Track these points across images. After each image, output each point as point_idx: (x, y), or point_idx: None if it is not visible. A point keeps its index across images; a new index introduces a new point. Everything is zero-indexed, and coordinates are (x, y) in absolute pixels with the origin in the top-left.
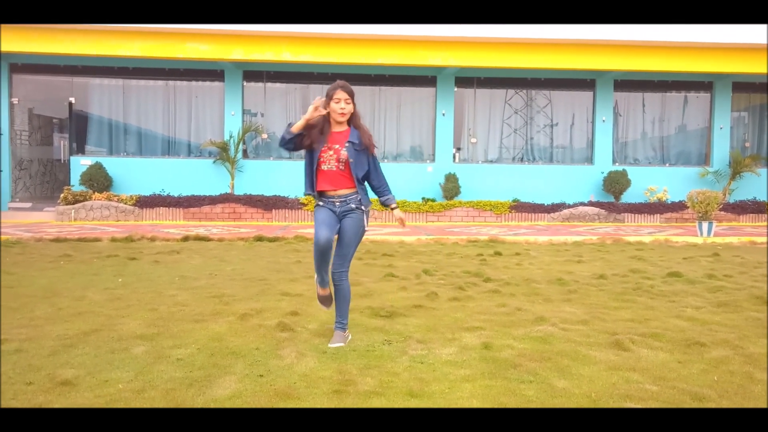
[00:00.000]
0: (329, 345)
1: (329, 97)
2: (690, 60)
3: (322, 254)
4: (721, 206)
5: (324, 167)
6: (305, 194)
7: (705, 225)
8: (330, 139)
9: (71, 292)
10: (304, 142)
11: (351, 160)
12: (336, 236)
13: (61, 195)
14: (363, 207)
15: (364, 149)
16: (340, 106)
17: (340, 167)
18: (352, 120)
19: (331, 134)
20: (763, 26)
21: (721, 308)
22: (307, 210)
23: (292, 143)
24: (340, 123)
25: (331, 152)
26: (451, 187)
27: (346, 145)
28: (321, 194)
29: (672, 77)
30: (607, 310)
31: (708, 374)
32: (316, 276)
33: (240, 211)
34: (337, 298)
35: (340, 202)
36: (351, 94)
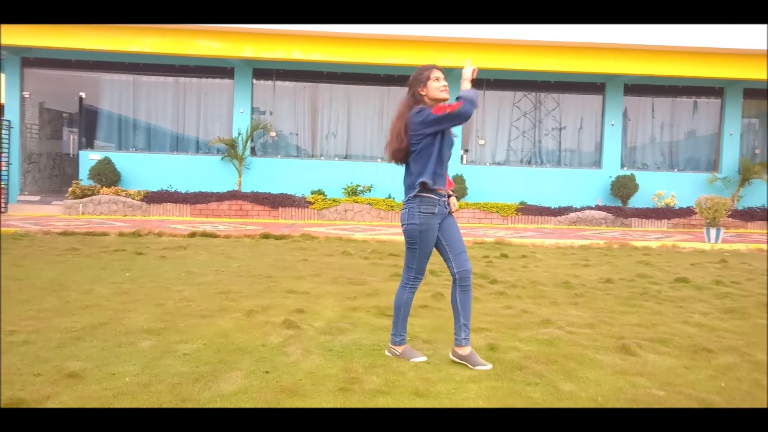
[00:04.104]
0: (478, 368)
1: (426, 79)
2: (701, 65)
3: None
4: (729, 213)
5: (444, 158)
6: (429, 187)
7: (713, 231)
8: None
9: (79, 285)
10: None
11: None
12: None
13: (70, 189)
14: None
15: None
16: (442, 83)
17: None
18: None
19: None
20: None
21: (729, 315)
22: (313, 208)
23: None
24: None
25: (450, 141)
26: (458, 188)
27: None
28: (435, 193)
29: (682, 82)
30: (614, 315)
31: (715, 380)
32: (399, 332)
33: (247, 208)
34: (468, 302)
35: (444, 201)
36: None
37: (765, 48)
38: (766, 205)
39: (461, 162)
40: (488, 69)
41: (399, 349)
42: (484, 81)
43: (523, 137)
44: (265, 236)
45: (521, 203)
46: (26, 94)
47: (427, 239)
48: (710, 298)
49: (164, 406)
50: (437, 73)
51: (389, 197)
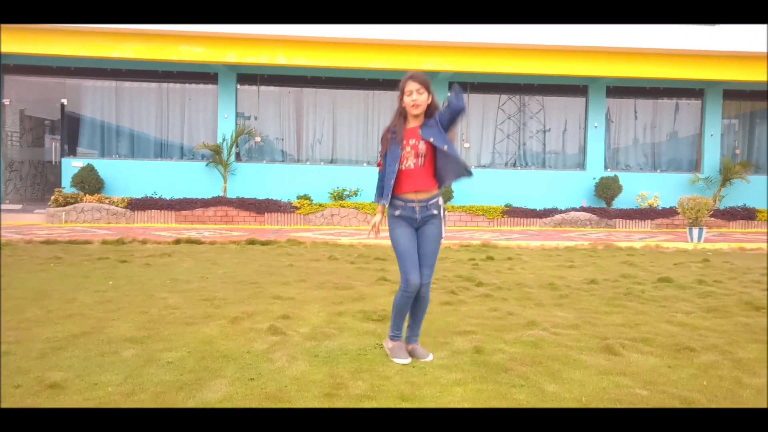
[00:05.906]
0: (426, 359)
1: (401, 92)
2: (681, 67)
3: (410, 299)
4: (711, 212)
5: (403, 166)
6: (376, 202)
7: (695, 231)
8: (406, 135)
9: (61, 294)
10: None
11: (435, 144)
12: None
13: (52, 197)
14: (443, 211)
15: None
16: (412, 98)
17: (419, 163)
18: (430, 111)
19: (406, 131)
20: (755, 34)
21: (711, 314)
22: (300, 213)
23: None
24: (416, 117)
25: (408, 148)
26: (444, 191)
27: (420, 134)
28: (397, 198)
29: (663, 84)
30: (598, 315)
31: (697, 379)
32: (391, 330)
33: (232, 214)
34: (419, 310)
35: (421, 207)
36: (424, 83)
37: (744, 49)
38: (747, 205)
39: None
40: (472, 72)
41: (390, 344)
42: (469, 84)
43: (507, 140)
44: (251, 242)
45: (507, 205)
46: (6, 101)
47: (399, 247)
48: (693, 298)
49: None
50: (410, 85)
51: None
